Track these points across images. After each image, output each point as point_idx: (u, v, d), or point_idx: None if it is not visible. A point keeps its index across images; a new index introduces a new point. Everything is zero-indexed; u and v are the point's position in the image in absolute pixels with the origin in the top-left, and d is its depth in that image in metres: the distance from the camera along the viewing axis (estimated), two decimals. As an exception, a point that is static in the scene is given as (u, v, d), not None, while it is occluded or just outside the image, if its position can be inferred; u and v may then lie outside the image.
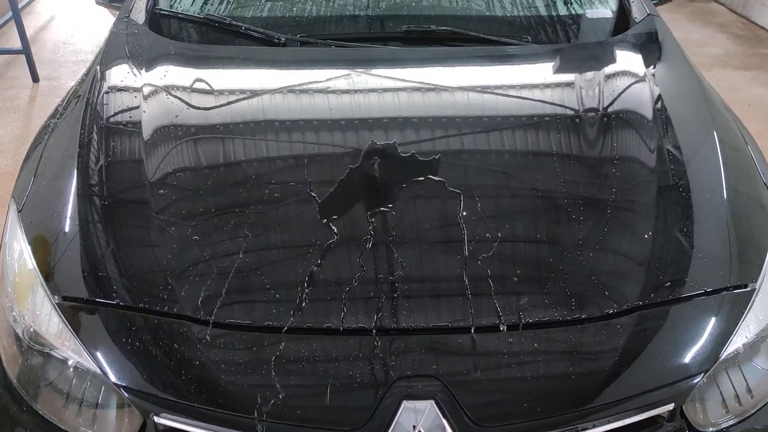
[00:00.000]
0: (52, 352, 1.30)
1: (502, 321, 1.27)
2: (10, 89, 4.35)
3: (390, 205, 1.46)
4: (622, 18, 2.20)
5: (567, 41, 2.12)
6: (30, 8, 5.70)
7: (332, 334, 1.26)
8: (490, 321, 1.27)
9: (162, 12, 2.16)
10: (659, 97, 1.81)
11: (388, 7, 2.18)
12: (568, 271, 1.36)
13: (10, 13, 4.46)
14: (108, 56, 1.98)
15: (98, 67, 1.94)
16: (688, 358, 1.28)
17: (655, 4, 2.37)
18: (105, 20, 5.19)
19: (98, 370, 1.25)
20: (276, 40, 2.00)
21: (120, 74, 1.89)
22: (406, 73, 1.90)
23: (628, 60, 1.96)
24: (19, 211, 1.53)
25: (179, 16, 2.16)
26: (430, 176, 1.52)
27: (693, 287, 1.36)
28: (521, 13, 2.18)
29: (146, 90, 1.79)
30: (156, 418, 1.22)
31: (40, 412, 1.30)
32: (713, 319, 1.33)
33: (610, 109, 1.75)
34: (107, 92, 1.82)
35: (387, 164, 1.56)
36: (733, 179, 1.59)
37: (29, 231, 1.47)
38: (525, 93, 1.82)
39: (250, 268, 1.36)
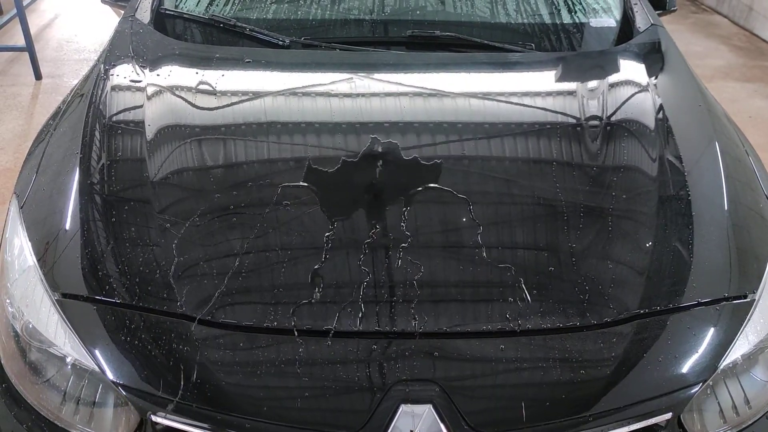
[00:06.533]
0: (51, 349, 1.29)
1: (501, 327, 1.27)
2: (12, 86, 4.35)
3: (391, 209, 1.47)
4: (626, 27, 2.21)
5: (570, 49, 2.13)
6: (34, 6, 5.71)
7: (330, 336, 1.26)
8: (488, 327, 1.27)
9: (167, 12, 2.17)
10: (661, 107, 1.82)
11: (392, 11, 2.19)
12: (568, 279, 1.36)
13: (14, 11, 4.47)
14: (112, 55, 1.98)
15: (102, 66, 1.94)
16: (686, 368, 1.28)
17: (659, 15, 2.38)
18: (109, 19, 5.21)
19: (96, 368, 1.25)
20: (280, 42, 2.00)
21: (124, 73, 1.89)
22: (410, 78, 1.90)
23: (631, 69, 1.97)
24: (21, 208, 1.53)
25: (184, 16, 2.16)
26: (431, 181, 1.53)
27: (692, 297, 1.36)
28: (525, 21, 2.19)
29: (150, 89, 1.79)
30: (153, 417, 1.21)
31: (38, 410, 1.30)
32: (712, 330, 1.33)
33: (612, 118, 1.76)
34: (111, 91, 1.82)
35: (389, 168, 1.56)
36: (734, 190, 1.59)
37: (30, 227, 1.47)
38: (528, 100, 1.83)
39: (250, 269, 1.36)
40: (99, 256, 1.39)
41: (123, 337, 1.27)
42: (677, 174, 1.61)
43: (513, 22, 2.19)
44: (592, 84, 1.89)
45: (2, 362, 1.38)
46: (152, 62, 1.90)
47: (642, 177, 1.60)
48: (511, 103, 1.82)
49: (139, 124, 1.68)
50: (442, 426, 1.19)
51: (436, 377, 1.22)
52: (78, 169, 1.57)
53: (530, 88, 1.90)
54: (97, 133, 1.68)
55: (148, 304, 1.30)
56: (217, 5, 2.18)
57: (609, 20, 2.25)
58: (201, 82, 1.83)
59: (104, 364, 1.25)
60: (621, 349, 1.26)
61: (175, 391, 1.21)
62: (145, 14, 2.15)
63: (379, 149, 1.60)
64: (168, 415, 1.20)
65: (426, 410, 1.19)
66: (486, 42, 2.03)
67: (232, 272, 1.34)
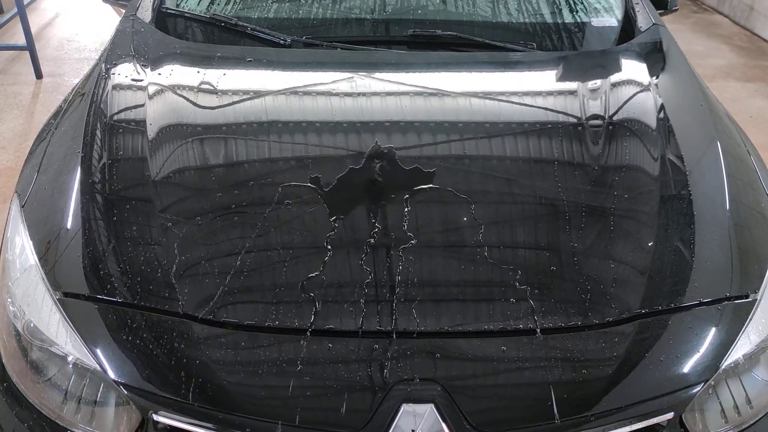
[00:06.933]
0: (52, 349, 1.29)
1: (503, 327, 1.27)
2: (13, 85, 4.35)
3: (393, 209, 1.46)
4: (627, 27, 2.21)
5: (572, 49, 2.13)
6: (35, 5, 5.71)
7: (332, 335, 1.26)
8: (490, 326, 1.27)
9: (168, 11, 2.17)
10: (663, 107, 1.81)
11: (394, 11, 2.19)
12: (569, 278, 1.36)
13: (15, 10, 4.47)
14: (114, 54, 1.98)
15: (103, 65, 1.94)
16: (688, 368, 1.28)
17: (660, 14, 2.37)
18: (110, 18, 5.21)
19: (98, 367, 1.25)
20: (281, 42, 2.00)
21: (125, 72, 1.89)
22: (411, 77, 1.90)
23: (633, 69, 1.97)
24: (22, 207, 1.53)
25: (185, 15, 2.16)
26: (432, 181, 1.53)
27: (694, 297, 1.36)
28: (527, 20, 2.19)
29: (151, 89, 1.79)
30: (155, 416, 1.21)
31: (39, 409, 1.30)
32: (714, 329, 1.33)
33: (614, 118, 1.76)
34: (112, 90, 1.82)
35: (390, 167, 1.56)
36: (735, 190, 1.59)
37: (31, 226, 1.47)
38: (529, 100, 1.83)
39: (252, 269, 1.36)
40: (100, 255, 1.39)
41: (124, 336, 1.27)
42: (679, 174, 1.61)
43: (514, 21, 2.19)
44: (594, 83, 1.89)
45: (4, 361, 1.38)
46: (154, 61, 1.90)
47: (643, 176, 1.59)
48: (513, 102, 1.82)
49: (141, 123, 1.68)
50: (444, 425, 1.19)
51: (438, 377, 1.21)
52: (79, 168, 1.57)
53: (532, 88, 1.90)
54: (98, 132, 1.68)
55: (150, 303, 1.30)
56: (218, 4, 2.18)
57: (610, 20, 2.25)
58: (202, 81, 1.83)
59: (106, 363, 1.25)
60: (623, 349, 1.26)
61: (177, 390, 1.21)
62: (146, 13, 2.15)
63: (382, 152, 1.59)
64: (169, 414, 1.20)
65: (428, 410, 1.19)
66: (487, 41, 2.02)
67: (233, 271, 1.34)
